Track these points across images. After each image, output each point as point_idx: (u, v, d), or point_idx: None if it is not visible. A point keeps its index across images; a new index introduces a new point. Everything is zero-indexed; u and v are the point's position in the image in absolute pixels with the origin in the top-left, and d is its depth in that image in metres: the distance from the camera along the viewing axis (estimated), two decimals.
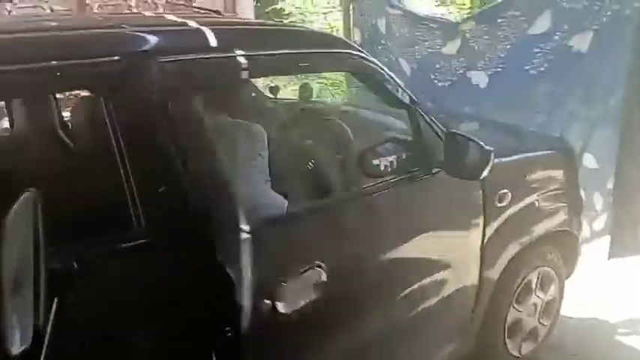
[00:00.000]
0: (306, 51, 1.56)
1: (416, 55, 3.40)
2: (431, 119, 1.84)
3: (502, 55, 3.03)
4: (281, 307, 1.37)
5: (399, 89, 1.75)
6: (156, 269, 1.22)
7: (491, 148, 1.72)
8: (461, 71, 3.21)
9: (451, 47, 3.28)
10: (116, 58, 1.21)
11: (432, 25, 3.37)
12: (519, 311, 2.36)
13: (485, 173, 1.73)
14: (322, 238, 1.56)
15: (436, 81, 3.30)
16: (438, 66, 3.29)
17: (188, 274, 1.24)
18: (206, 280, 1.27)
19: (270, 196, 1.63)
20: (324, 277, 1.45)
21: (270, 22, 4.05)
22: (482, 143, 1.71)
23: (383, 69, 1.71)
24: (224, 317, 1.32)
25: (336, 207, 1.68)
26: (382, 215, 1.74)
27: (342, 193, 1.81)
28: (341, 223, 1.63)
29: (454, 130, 1.76)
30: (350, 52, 1.65)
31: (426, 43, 3.33)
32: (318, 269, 1.45)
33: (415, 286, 1.84)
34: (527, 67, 2.93)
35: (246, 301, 1.31)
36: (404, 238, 1.78)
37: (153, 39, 1.30)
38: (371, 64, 1.68)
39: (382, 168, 1.84)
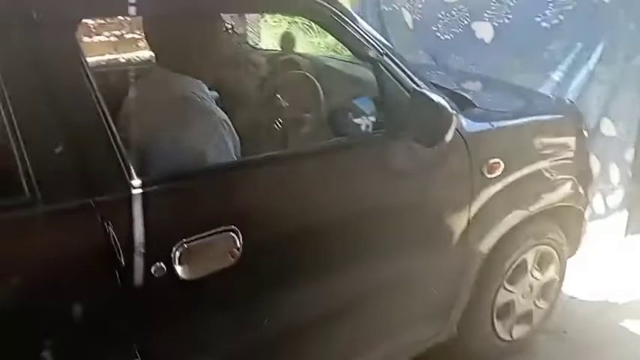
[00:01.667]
0: None
1: (417, 3, 3.05)
2: (405, 75, 1.57)
3: (511, 4, 2.66)
4: (180, 271, 1.18)
5: (365, 38, 1.48)
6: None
7: (454, 111, 1.45)
8: (465, 22, 2.86)
9: None
10: None
11: None
12: (511, 292, 2.14)
13: (446, 139, 1.47)
14: (249, 196, 1.34)
15: (438, 34, 2.96)
16: (440, 16, 2.94)
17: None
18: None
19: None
20: (237, 244, 1.25)
21: None
22: (445, 104, 1.45)
23: (343, 13, 1.43)
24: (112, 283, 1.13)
25: (274, 164, 1.44)
26: (336, 179, 1.51)
27: (287, 151, 1.58)
28: (281, 182, 1.41)
29: (419, 89, 1.49)
30: None
31: None
32: (232, 233, 1.24)
33: (376, 263, 1.62)
34: (538, 19, 2.56)
35: (137, 264, 1.12)
36: (361, 207, 1.55)
37: None
38: (324, 8, 1.40)
39: (347, 128, 1.61)
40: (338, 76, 1.98)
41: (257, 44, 2.56)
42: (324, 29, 1.48)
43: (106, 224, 1.09)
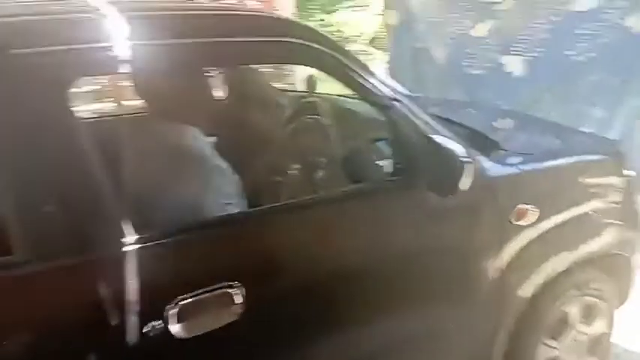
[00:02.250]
0: (222, 39, 1.26)
1: (447, 39, 2.99)
2: (420, 120, 1.49)
3: (541, 37, 2.55)
4: (176, 330, 1.12)
5: (376, 86, 1.42)
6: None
7: (469, 159, 1.36)
8: (494, 56, 2.76)
9: (481, 28, 2.83)
10: None
11: (463, 4, 2.93)
12: (553, 348, 1.96)
13: (460, 188, 1.37)
14: (250, 248, 1.29)
15: (469, 69, 2.88)
16: (469, 51, 2.86)
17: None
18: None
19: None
20: (238, 300, 1.19)
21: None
22: (458, 151, 1.36)
23: (352, 62, 1.38)
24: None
25: (284, 215, 1.38)
26: (348, 229, 1.43)
27: (297, 200, 1.52)
28: (292, 233, 1.35)
29: (432, 135, 1.41)
30: (290, 41, 1.32)
31: (458, 25, 2.91)
32: (231, 289, 1.18)
33: (394, 316, 1.53)
34: (569, 52, 2.43)
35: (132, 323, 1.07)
36: (377, 257, 1.46)
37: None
38: (331, 58, 1.36)
39: (362, 174, 1.54)
40: (359, 118, 1.92)
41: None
42: (334, 78, 1.43)
43: (97, 282, 1.05)
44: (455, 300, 1.65)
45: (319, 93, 2.26)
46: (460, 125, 2.02)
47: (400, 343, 1.59)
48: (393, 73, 3.73)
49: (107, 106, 4.54)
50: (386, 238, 1.49)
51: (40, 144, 1.04)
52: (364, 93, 1.44)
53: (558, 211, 1.80)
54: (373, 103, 1.48)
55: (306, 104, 2.13)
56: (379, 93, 1.43)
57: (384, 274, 1.49)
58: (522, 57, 2.64)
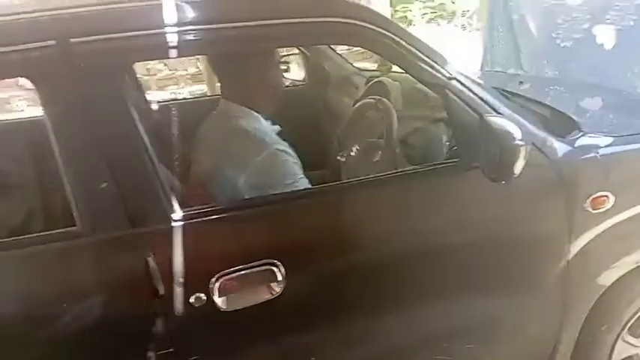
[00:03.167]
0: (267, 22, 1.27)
1: (540, 7, 2.75)
2: (480, 99, 1.42)
3: (637, 2, 2.25)
4: (220, 302, 1.20)
5: (430, 63, 1.37)
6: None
7: (522, 141, 1.26)
8: (585, 26, 2.50)
9: None
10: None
11: None
12: (634, 346, 1.82)
13: (515, 173, 1.29)
14: (298, 228, 1.33)
15: (558, 41, 2.63)
16: (560, 21, 2.61)
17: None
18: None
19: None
20: (279, 277, 1.23)
21: None
22: (513, 133, 1.27)
23: (402, 38, 1.34)
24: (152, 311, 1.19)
25: (331, 195, 1.40)
26: (403, 211, 1.42)
27: (346, 181, 1.53)
28: (337, 214, 1.36)
29: (486, 116, 1.32)
30: (339, 21, 1.29)
31: None
32: (273, 267, 1.23)
33: (449, 303, 1.52)
34: None
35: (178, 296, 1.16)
36: (431, 242, 1.45)
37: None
38: (380, 35, 1.32)
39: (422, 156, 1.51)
40: (426, 98, 1.86)
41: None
42: (384, 58, 1.40)
43: (147, 255, 1.15)
44: (514, 290, 1.58)
45: (394, 72, 2.23)
46: (539, 104, 1.90)
47: (461, 330, 1.57)
48: (489, 47, 3.55)
49: (177, 90, 4.83)
50: (440, 223, 1.46)
51: (101, 125, 1.14)
52: (418, 73, 1.39)
53: None
54: (428, 84, 1.43)
55: (376, 84, 2.11)
56: (435, 72, 1.38)
57: (441, 260, 1.47)
58: (615, 26, 2.36)
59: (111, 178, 1.13)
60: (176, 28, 1.17)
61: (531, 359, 1.72)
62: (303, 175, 1.48)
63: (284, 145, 1.47)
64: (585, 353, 1.76)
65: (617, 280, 1.68)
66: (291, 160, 1.45)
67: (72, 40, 1.12)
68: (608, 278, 1.67)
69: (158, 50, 1.22)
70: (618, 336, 1.78)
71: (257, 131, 1.46)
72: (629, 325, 1.78)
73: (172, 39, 1.15)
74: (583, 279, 1.64)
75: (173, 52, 1.21)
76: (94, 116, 1.13)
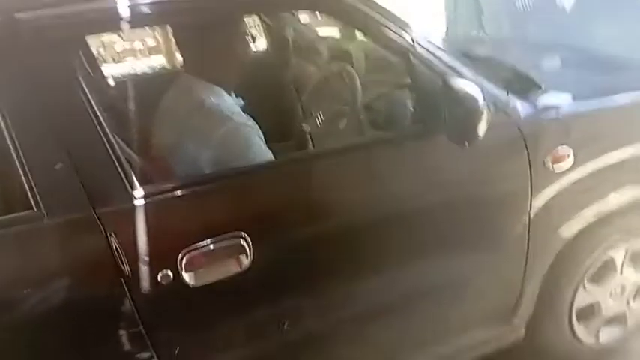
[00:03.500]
0: None
1: None
2: (443, 64, 1.42)
3: None
4: (188, 278, 1.19)
5: (392, 29, 1.36)
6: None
7: (484, 104, 1.27)
8: None
9: None
10: None
11: None
12: (594, 293, 1.90)
13: (479, 135, 1.31)
14: (263, 200, 1.32)
15: (518, 4, 2.64)
16: None
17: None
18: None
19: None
20: (246, 249, 1.23)
21: None
22: (474, 95, 1.27)
23: (364, 4, 1.32)
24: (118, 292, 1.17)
25: (294, 165, 1.40)
26: (369, 178, 1.43)
27: (313, 149, 1.53)
28: (301, 183, 1.36)
29: (448, 80, 1.32)
30: None
31: None
32: (239, 239, 1.22)
33: (419, 263, 1.55)
34: None
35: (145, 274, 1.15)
36: (400, 206, 1.46)
37: None
38: (339, 1, 1.29)
39: (385, 122, 1.51)
40: (390, 64, 1.85)
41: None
42: (345, 23, 1.38)
43: (109, 234, 1.13)
44: (480, 246, 1.62)
45: (358, 39, 2.20)
46: (500, 65, 1.91)
47: (429, 290, 1.61)
48: (452, 10, 3.53)
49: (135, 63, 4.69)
50: (405, 188, 1.47)
51: (49, 106, 1.10)
52: (380, 39, 1.38)
53: (599, 153, 1.68)
54: (390, 49, 1.42)
55: (339, 51, 2.08)
56: (396, 38, 1.37)
57: (408, 224, 1.49)
58: None
59: (67, 159, 1.10)
60: None
61: (496, 313, 1.78)
62: (266, 149, 1.47)
63: (246, 119, 1.44)
64: (548, 303, 1.84)
65: (578, 232, 1.74)
66: (254, 134, 1.43)
67: (17, 15, 1.06)
68: (569, 231, 1.73)
69: (112, 22, 1.18)
70: (579, 284, 1.86)
71: (219, 106, 1.43)
72: (589, 273, 1.86)
73: (129, 10, 1.11)
74: (545, 233, 1.70)
75: (130, 24, 1.16)
76: (45, 94, 1.09)
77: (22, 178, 1.08)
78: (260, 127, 1.48)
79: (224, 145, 1.37)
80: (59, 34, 1.10)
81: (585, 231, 1.75)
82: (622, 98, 1.78)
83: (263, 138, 1.46)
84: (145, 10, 1.16)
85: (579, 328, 1.94)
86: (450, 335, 1.71)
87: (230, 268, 1.24)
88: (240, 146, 1.39)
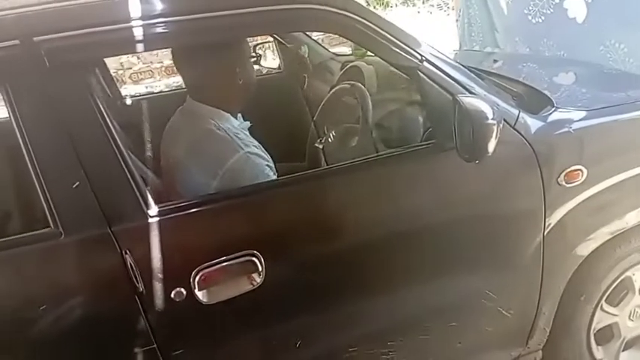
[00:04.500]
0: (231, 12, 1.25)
1: None
2: (452, 80, 1.43)
3: None
4: (201, 296, 1.20)
5: (400, 46, 1.37)
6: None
7: (494, 120, 1.27)
8: (556, 1, 2.50)
9: None
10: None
11: None
12: (613, 315, 1.87)
13: (489, 152, 1.31)
14: (274, 218, 1.33)
15: (530, 17, 2.63)
16: None
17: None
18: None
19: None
20: (259, 267, 1.24)
21: None
22: (484, 111, 1.28)
23: (371, 22, 1.33)
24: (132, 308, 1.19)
25: (308, 184, 1.40)
26: (380, 196, 1.43)
27: (324, 168, 1.53)
28: (314, 201, 1.37)
29: (458, 96, 1.33)
30: (309, 8, 1.27)
31: None
32: (252, 257, 1.23)
33: (428, 284, 1.54)
34: None
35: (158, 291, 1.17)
36: (409, 225, 1.46)
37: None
38: (348, 19, 1.31)
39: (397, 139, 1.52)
40: (401, 81, 1.86)
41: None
42: (355, 43, 1.39)
43: (124, 252, 1.15)
44: (492, 266, 1.61)
45: (369, 56, 2.22)
46: (513, 82, 1.92)
47: (442, 309, 1.59)
48: (466, 25, 3.55)
49: (153, 83, 4.77)
50: (416, 205, 1.47)
51: (70, 123, 1.13)
52: (390, 57, 1.39)
53: (615, 171, 1.66)
54: (400, 67, 1.43)
55: (350, 68, 2.10)
56: (406, 55, 1.38)
57: (422, 242, 1.49)
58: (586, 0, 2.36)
59: (84, 177, 1.12)
60: (139, 22, 1.16)
61: (511, 334, 1.75)
62: (275, 177, 1.48)
63: (255, 147, 1.46)
64: (565, 325, 1.80)
65: (594, 250, 1.71)
66: (263, 163, 1.44)
67: (35, 38, 1.10)
68: (585, 249, 1.70)
69: (120, 45, 1.21)
70: (597, 305, 1.83)
71: (227, 133, 1.44)
72: (607, 294, 1.83)
73: (134, 33, 1.14)
74: (561, 252, 1.67)
75: (138, 47, 1.19)
76: (62, 115, 1.12)
77: (41, 196, 1.11)
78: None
79: (234, 176, 1.38)
80: (77, 56, 1.14)
81: (601, 249, 1.72)
82: (635, 113, 1.77)
83: (274, 167, 1.47)
84: (149, 32, 1.18)
85: (598, 351, 1.90)
86: (464, 357, 1.68)
87: (243, 286, 1.25)
88: (251, 176, 1.40)
